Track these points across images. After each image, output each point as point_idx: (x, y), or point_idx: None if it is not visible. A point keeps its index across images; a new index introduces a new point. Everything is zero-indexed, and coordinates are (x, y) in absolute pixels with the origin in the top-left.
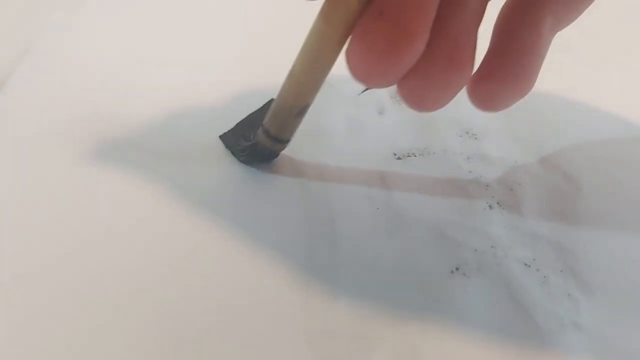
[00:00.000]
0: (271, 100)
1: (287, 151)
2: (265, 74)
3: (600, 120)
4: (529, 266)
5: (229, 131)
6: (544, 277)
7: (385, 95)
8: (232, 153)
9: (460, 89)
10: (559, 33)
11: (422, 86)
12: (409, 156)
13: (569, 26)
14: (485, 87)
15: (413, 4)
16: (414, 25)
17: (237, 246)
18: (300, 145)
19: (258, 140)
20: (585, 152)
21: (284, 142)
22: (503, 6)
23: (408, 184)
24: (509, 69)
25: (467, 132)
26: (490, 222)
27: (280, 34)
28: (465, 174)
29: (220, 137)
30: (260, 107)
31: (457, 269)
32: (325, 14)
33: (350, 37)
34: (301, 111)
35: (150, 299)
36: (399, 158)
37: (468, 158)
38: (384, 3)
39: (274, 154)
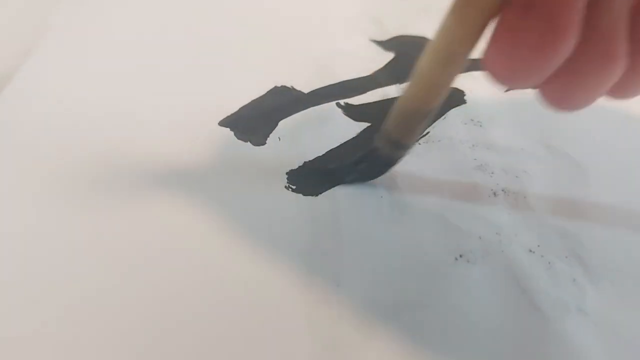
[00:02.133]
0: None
1: (289, 140)
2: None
3: (607, 106)
4: (534, 252)
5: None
6: (549, 263)
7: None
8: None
9: (607, 87)
10: None
11: (572, 85)
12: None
13: None
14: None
15: None
16: (566, 18)
17: (240, 235)
18: (303, 133)
19: (378, 147)
20: (592, 138)
21: (406, 148)
22: None
23: (413, 172)
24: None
25: (472, 120)
26: (495, 210)
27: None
28: (470, 162)
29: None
30: (263, 95)
31: (461, 256)
32: (458, 12)
33: (490, 34)
34: (427, 114)
35: (154, 282)
36: None
37: (473, 145)
38: None
39: (393, 162)
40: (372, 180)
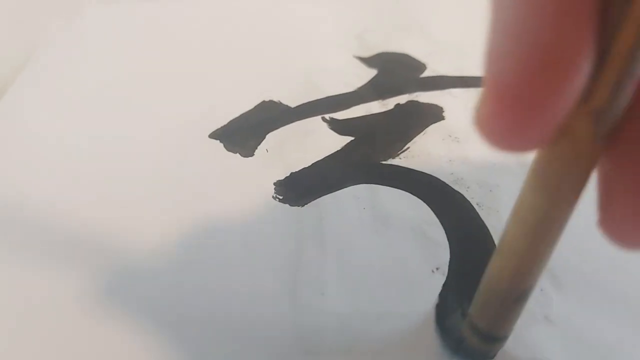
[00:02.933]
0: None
1: (276, 152)
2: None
3: None
4: None
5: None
6: None
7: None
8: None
9: None
10: None
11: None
12: (395, 158)
13: None
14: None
15: None
16: None
17: (228, 243)
18: (289, 145)
19: (465, 338)
20: None
21: (500, 340)
22: None
23: (393, 184)
24: None
25: (450, 136)
26: None
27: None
28: (448, 176)
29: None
30: (252, 109)
31: (437, 268)
32: (545, 170)
33: (600, 193)
34: (521, 297)
35: (140, 286)
36: (385, 160)
37: (450, 160)
38: None
39: (489, 355)
40: None
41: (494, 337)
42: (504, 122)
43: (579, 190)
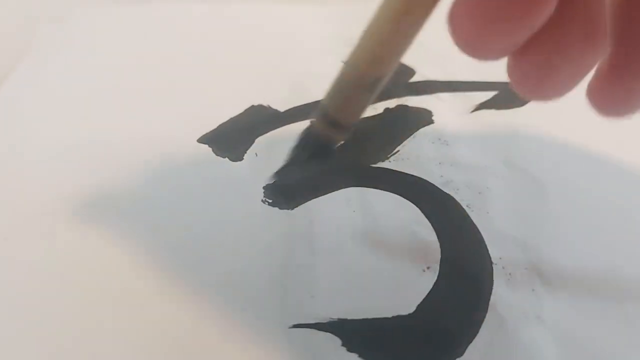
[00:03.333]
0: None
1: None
2: None
3: (564, 123)
4: (496, 264)
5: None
6: (510, 274)
7: None
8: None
9: (587, 74)
10: None
11: (546, 64)
12: (385, 161)
13: None
14: (620, 82)
15: None
16: None
17: (217, 247)
18: (278, 149)
19: (312, 125)
20: (550, 157)
21: (344, 128)
22: None
23: (383, 187)
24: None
25: (439, 139)
26: None
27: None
28: (437, 179)
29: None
30: (241, 113)
31: (428, 268)
32: None
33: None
34: (373, 85)
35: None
36: (374, 163)
37: (440, 163)
38: None
39: (330, 147)
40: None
41: (339, 123)
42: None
43: None
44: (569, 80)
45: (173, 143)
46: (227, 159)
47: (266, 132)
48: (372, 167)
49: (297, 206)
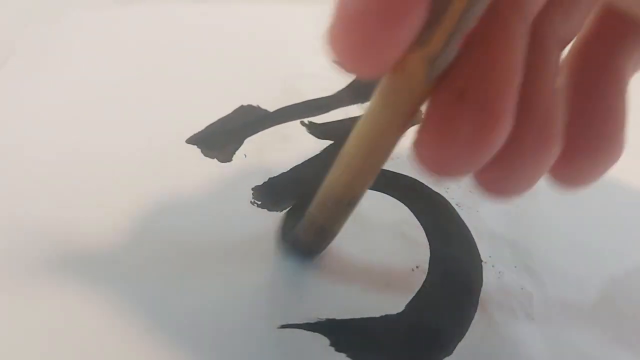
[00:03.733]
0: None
1: (255, 157)
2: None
3: None
4: (485, 262)
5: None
6: (499, 272)
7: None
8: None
9: (547, 169)
10: None
11: (508, 173)
12: None
13: None
14: (574, 165)
15: (499, 81)
16: (502, 105)
17: (206, 249)
18: (268, 150)
19: (301, 230)
20: None
21: (330, 235)
22: (566, 59)
23: (373, 187)
24: (599, 136)
25: None
26: None
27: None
28: (427, 177)
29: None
30: (230, 113)
31: (417, 267)
32: (384, 95)
33: (419, 123)
34: (350, 203)
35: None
36: None
37: None
38: (463, 82)
39: (318, 249)
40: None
41: (327, 231)
42: (348, 42)
43: (407, 119)
44: (529, 181)
45: (161, 143)
46: (215, 159)
47: (255, 133)
48: None
49: (286, 208)
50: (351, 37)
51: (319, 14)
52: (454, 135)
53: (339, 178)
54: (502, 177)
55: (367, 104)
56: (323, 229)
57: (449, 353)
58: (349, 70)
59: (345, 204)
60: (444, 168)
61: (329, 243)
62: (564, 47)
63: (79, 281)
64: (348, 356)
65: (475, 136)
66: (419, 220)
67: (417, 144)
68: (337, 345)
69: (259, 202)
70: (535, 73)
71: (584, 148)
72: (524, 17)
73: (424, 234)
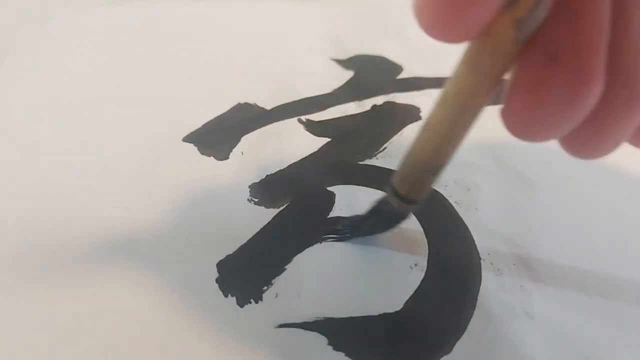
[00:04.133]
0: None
1: (251, 155)
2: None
3: None
4: (484, 260)
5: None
6: (498, 270)
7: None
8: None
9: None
10: None
11: (598, 134)
12: (372, 158)
13: None
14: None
15: (590, 42)
16: (594, 66)
17: (204, 246)
18: (265, 147)
19: (385, 202)
20: (539, 154)
21: (415, 203)
22: None
23: (370, 185)
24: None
25: None
26: None
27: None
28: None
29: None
30: (227, 111)
31: (415, 265)
32: (472, 60)
33: (508, 86)
34: (436, 170)
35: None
36: (362, 160)
37: None
38: (554, 44)
39: (403, 216)
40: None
41: (411, 200)
42: (437, 8)
43: (495, 83)
44: (618, 141)
45: (158, 142)
46: (212, 157)
47: (252, 131)
48: (359, 164)
49: (283, 205)
50: (440, 3)
51: (316, 13)
52: (548, 98)
53: (425, 144)
54: (593, 139)
55: (453, 74)
56: (406, 198)
57: (448, 351)
58: (438, 37)
59: (432, 171)
60: (537, 132)
61: (413, 210)
62: None
63: (78, 280)
64: (346, 355)
65: (570, 97)
66: (417, 218)
67: (507, 108)
68: (335, 344)
69: (256, 200)
70: (619, 31)
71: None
72: None
73: (422, 232)
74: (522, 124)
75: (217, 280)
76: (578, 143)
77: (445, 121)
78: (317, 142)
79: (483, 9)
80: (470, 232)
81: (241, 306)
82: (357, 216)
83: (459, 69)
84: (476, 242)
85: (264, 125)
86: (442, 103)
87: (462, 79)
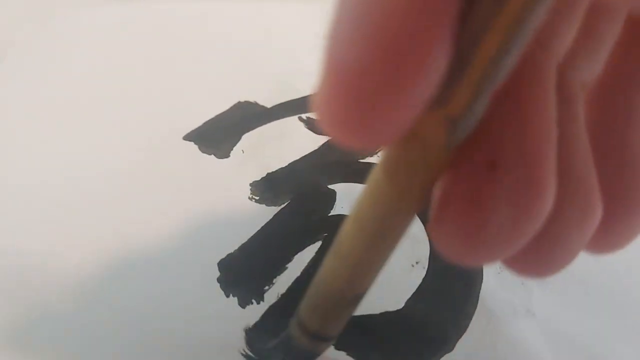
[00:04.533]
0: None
1: (252, 153)
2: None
3: None
4: None
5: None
6: (499, 267)
7: None
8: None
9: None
10: None
11: (549, 252)
12: (373, 156)
13: None
14: (611, 230)
15: (537, 143)
16: (544, 172)
17: (204, 245)
18: (266, 146)
19: (292, 338)
20: None
21: (327, 340)
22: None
23: None
24: (634, 195)
25: None
26: None
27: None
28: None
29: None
30: (228, 109)
31: (417, 262)
32: (391, 168)
33: (437, 198)
34: (354, 300)
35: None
36: (362, 158)
37: None
38: (494, 148)
39: (314, 355)
40: None
41: (323, 337)
42: (342, 111)
43: (421, 198)
44: (571, 256)
45: (158, 140)
46: (213, 156)
47: (253, 129)
48: (360, 161)
49: (284, 203)
50: (347, 103)
51: (316, 11)
52: (487, 216)
53: (336, 272)
54: (542, 258)
55: (367, 185)
56: (318, 335)
57: (450, 349)
58: (345, 142)
59: (347, 302)
60: (475, 256)
61: (327, 347)
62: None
63: (76, 279)
64: (348, 354)
65: (515, 213)
66: (418, 215)
67: (437, 225)
68: (337, 343)
69: (257, 198)
70: (567, 129)
71: (619, 210)
72: (554, 59)
73: (424, 229)
74: (457, 246)
75: (218, 279)
76: (525, 263)
77: (360, 245)
78: (318, 140)
79: (404, 109)
80: None
81: (243, 306)
82: (267, 344)
83: (375, 177)
84: None
85: (265, 123)
86: (355, 221)
87: (379, 191)
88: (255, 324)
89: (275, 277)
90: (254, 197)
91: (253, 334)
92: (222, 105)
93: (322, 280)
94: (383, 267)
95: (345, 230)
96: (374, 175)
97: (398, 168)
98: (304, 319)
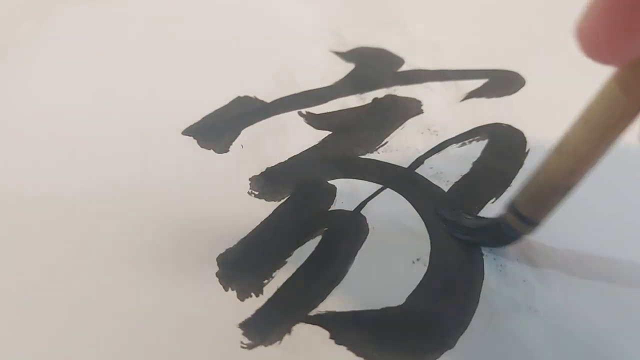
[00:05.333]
0: None
1: (252, 148)
2: None
3: (554, 112)
4: (486, 256)
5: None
6: (501, 265)
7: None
8: (453, 230)
9: None
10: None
11: None
12: (373, 152)
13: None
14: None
15: None
16: None
17: (203, 240)
18: (265, 140)
19: (503, 221)
20: (540, 144)
21: (535, 225)
22: None
23: (374, 180)
24: None
25: (429, 129)
26: None
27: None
28: (427, 170)
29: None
30: (227, 104)
31: (418, 259)
32: (626, 81)
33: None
34: (566, 191)
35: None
36: (363, 154)
37: (429, 154)
38: None
39: (517, 238)
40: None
41: (532, 220)
42: (595, 39)
43: None
44: None
45: (158, 135)
46: (212, 150)
47: (252, 124)
48: (360, 158)
49: (283, 198)
50: (598, 35)
51: (316, 5)
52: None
53: (560, 164)
54: None
55: (598, 95)
56: (527, 219)
57: (451, 346)
58: (599, 60)
59: (562, 192)
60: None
61: (530, 232)
62: None
63: (77, 275)
64: (348, 349)
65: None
66: (419, 212)
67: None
68: (337, 338)
69: (257, 192)
70: None
71: None
72: None
73: (425, 226)
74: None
75: (217, 274)
76: None
77: (586, 143)
78: (317, 135)
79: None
80: None
81: (242, 300)
82: (473, 220)
83: (608, 86)
84: None
85: (264, 118)
86: (583, 123)
87: (611, 99)
88: (254, 317)
89: (274, 271)
90: (253, 192)
91: (251, 328)
92: (221, 100)
93: (544, 172)
94: (599, 162)
95: (573, 132)
96: (607, 88)
97: (633, 83)
98: (519, 203)
